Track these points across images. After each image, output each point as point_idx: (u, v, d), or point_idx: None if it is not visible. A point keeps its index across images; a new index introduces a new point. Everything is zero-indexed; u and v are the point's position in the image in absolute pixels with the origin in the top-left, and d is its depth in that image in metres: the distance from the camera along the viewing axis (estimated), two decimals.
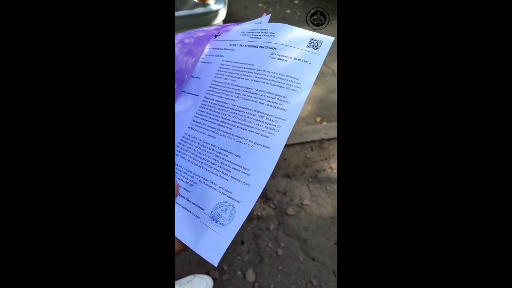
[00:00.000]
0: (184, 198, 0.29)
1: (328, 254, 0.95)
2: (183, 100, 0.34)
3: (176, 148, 0.32)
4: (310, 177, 1.16)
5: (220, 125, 0.30)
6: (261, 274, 0.91)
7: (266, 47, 0.32)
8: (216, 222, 0.26)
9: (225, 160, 0.29)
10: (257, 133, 0.28)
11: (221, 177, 0.28)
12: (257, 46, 0.33)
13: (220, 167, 0.28)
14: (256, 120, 0.29)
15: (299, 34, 0.32)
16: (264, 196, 1.10)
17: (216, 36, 0.37)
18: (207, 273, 0.90)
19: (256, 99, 0.30)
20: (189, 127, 0.32)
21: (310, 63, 0.29)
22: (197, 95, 0.34)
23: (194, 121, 0.32)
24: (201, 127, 0.32)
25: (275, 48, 0.32)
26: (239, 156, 0.28)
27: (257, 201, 0.27)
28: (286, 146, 1.30)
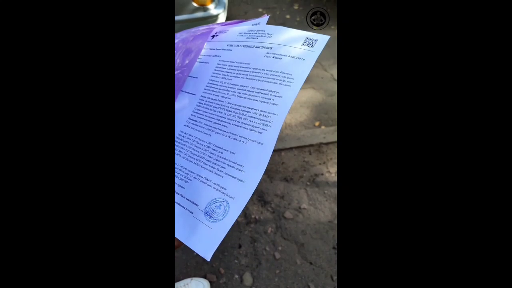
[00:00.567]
0: (178, 194, 0.29)
1: (325, 258, 0.95)
2: (181, 99, 0.35)
3: None
4: (308, 181, 1.16)
5: (216, 123, 0.31)
6: (258, 278, 0.91)
7: (262, 47, 0.33)
8: (210, 218, 0.26)
9: (220, 157, 0.29)
10: (251, 129, 0.29)
11: (216, 173, 0.28)
12: (253, 46, 0.33)
13: (215, 164, 0.29)
14: (250, 117, 0.29)
15: (295, 34, 0.32)
16: (262, 200, 1.10)
17: (213, 36, 0.38)
18: (204, 277, 0.90)
19: (250, 97, 0.30)
20: (185, 125, 0.33)
21: (304, 60, 0.30)
22: (194, 94, 0.34)
23: (191, 119, 0.33)
24: (197, 125, 0.32)
25: (271, 48, 0.32)
26: (234, 153, 0.29)
27: (250, 197, 0.27)
28: (284, 150, 1.30)
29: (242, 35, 0.35)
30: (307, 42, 0.31)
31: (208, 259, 0.25)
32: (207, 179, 0.28)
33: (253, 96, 0.30)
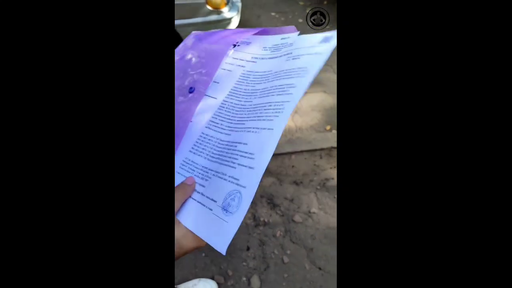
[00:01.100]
0: (199, 193, 0.30)
1: (334, 264, 0.94)
2: (203, 102, 0.36)
3: (193, 147, 0.33)
4: (318, 185, 1.16)
5: (237, 124, 0.32)
6: (266, 281, 0.90)
7: (284, 55, 0.34)
8: (226, 212, 0.27)
9: (235, 150, 0.30)
10: (264, 119, 0.30)
11: (230, 166, 0.29)
12: (277, 57, 0.35)
13: (230, 158, 0.29)
14: (265, 109, 0.30)
15: (314, 36, 0.34)
16: (271, 202, 1.09)
17: (235, 45, 0.39)
18: (212, 278, 0.90)
19: (269, 94, 0.31)
20: (206, 127, 0.34)
21: (320, 54, 0.31)
22: (215, 98, 0.35)
23: (211, 121, 0.34)
24: (218, 127, 0.33)
25: (291, 53, 0.34)
26: (246, 144, 0.29)
27: (259, 200, 0.27)
28: (295, 153, 1.29)
29: (267, 49, 0.37)
30: (324, 40, 0.32)
31: (224, 253, 0.25)
32: (223, 174, 0.29)
33: (271, 93, 0.31)
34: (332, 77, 1.69)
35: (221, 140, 0.32)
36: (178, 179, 0.31)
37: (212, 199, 0.28)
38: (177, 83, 0.38)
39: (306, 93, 0.30)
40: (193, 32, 0.45)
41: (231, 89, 0.35)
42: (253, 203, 1.06)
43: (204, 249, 0.95)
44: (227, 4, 1.43)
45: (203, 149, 0.32)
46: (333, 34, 0.32)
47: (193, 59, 0.40)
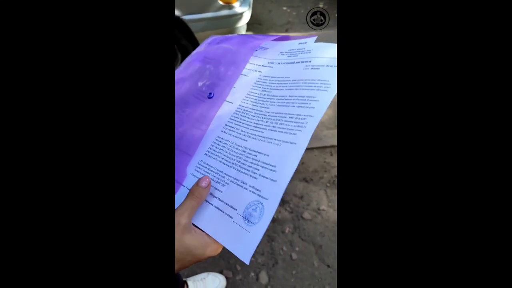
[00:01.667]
0: (216, 198, 0.30)
1: None
2: (222, 107, 0.37)
3: (208, 150, 0.33)
4: (328, 182, 1.15)
5: (253, 130, 0.32)
6: (274, 277, 0.91)
7: (302, 62, 0.35)
8: (248, 222, 0.27)
9: (255, 159, 0.30)
10: (285, 132, 0.30)
11: (251, 176, 0.29)
12: (293, 62, 0.35)
13: (250, 166, 0.29)
14: (286, 121, 0.30)
15: (333, 47, 0.34)
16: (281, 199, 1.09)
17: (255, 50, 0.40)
18: (221, 272, 0.91)
19: (288, 104, 0.32)
20: (222, 131, 0.34)
21: None
22: (232, 103, 0.36)
23: (227, 125, 0.34)
24: (234, 131, 0.33)
25: (310, 61, 0.34)
26: (268, 155, 0.29)
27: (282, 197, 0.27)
28: (305, 150, 1.29)
29: (283, 54, 0.37)
30: None
31: (248, 263, 0.26)
32: (243, 182, 0.29)
33: (290, 103, 0.31)
34: None
35: (236, 145, 0.32)
36: (192, 181, 0.31)
37: (231, 206, 0.28)
38: (195, 87, 0.39)
39: None
40: (212, 36, 0.46)
41: (247, 94, 0.35)
42: None
43: None
44: None
45: (218, 152, 0.32)
46: None
47: (211, 65, 0.40)
